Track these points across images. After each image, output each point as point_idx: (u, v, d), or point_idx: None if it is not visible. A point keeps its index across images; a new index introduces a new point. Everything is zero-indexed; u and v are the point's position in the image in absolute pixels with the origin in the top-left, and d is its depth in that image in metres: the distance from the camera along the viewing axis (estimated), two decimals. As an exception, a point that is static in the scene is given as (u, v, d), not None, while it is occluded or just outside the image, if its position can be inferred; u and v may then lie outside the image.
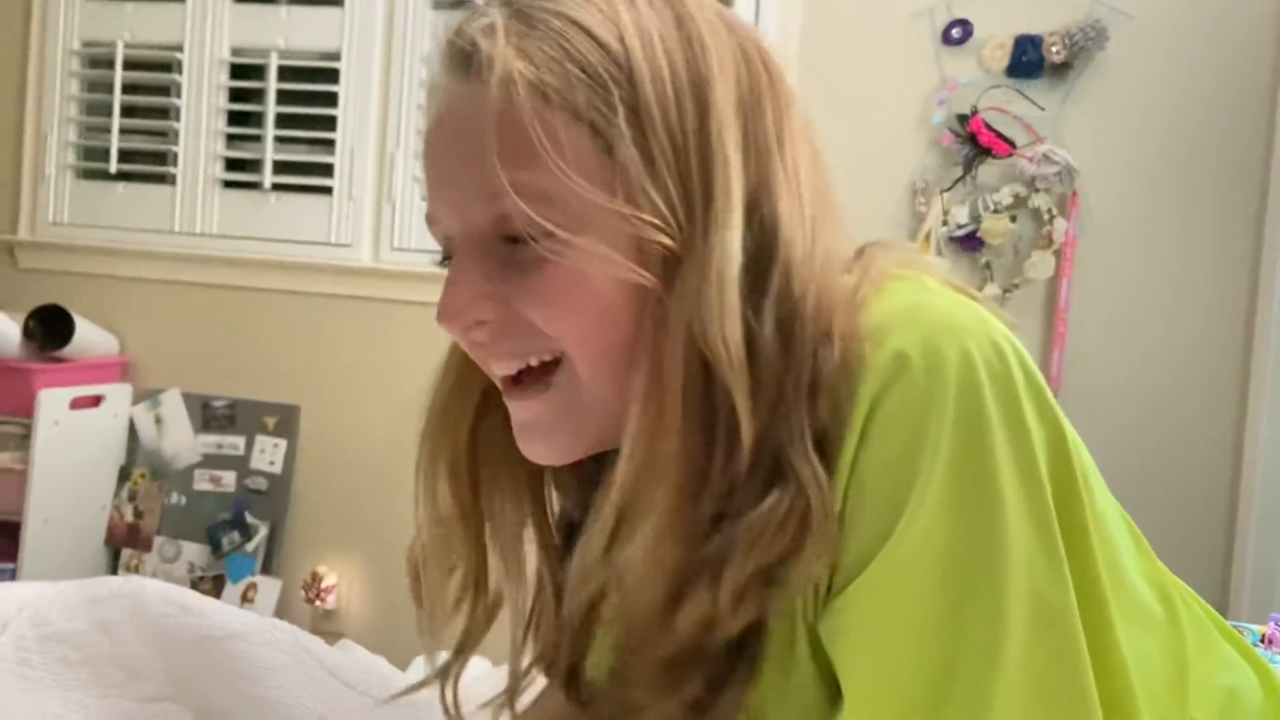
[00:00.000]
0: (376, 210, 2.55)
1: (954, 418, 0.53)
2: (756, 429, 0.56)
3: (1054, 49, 2.25)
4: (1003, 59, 2.28)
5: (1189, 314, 2.25)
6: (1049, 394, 0.57)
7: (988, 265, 2.31)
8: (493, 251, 0.59)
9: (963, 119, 2.29)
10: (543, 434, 0.62)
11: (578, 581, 0.64)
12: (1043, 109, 2.27)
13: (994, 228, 2.28)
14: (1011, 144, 2.27)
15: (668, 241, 0.56)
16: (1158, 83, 2.26)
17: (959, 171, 2.31)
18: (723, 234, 0.56)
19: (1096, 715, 0.52)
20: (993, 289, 2.30)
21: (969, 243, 2.31)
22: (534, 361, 0.60)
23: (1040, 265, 2.27)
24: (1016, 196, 2.28)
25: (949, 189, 2.32)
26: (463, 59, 0.59)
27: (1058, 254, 2.26)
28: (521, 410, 0.62)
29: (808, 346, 0.57)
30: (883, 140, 2.36)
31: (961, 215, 2.30)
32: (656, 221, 0.56)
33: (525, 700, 0.73)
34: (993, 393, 0.54)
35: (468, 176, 0.58)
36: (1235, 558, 2.17)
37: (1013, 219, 2.28)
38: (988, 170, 2.30)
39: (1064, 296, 2.27)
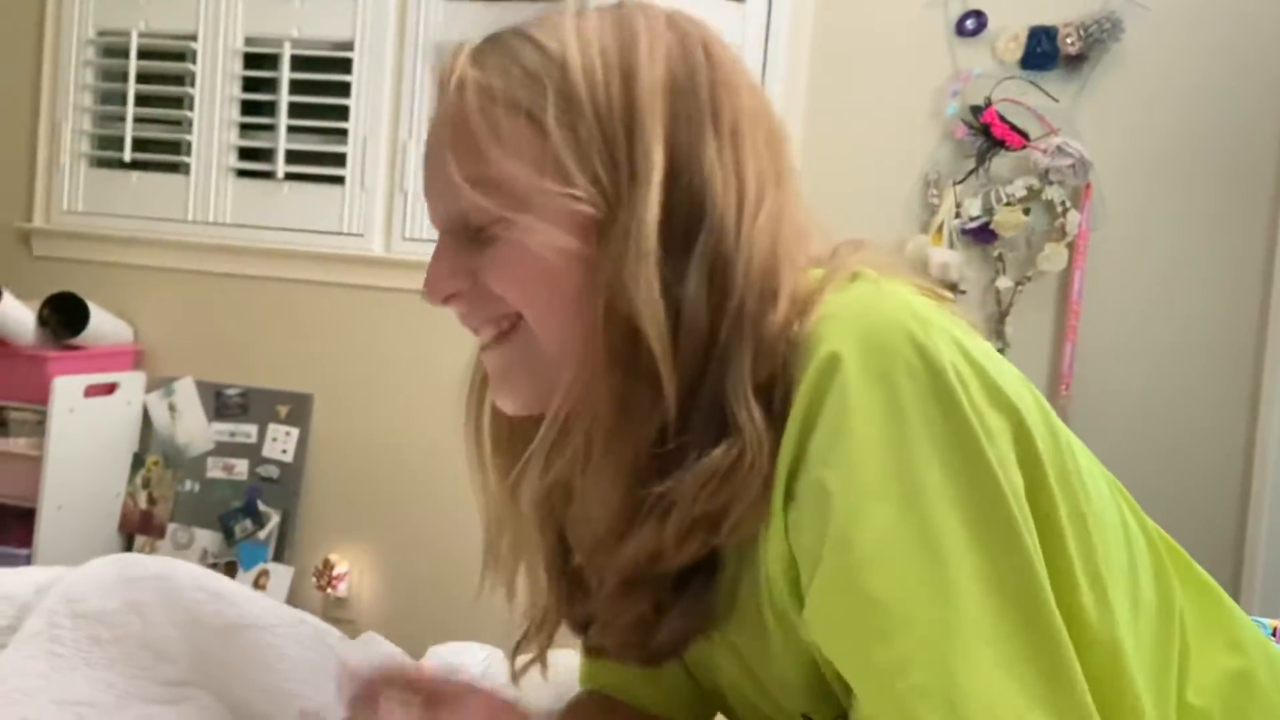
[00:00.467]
0: (389, 200, 2.56)
1: (881, 418, 0.57)
2: (682, 377, 0.62)
3: (1069, 40, 2.23)
4: (1017, 50, 2.27)
5: (1203, 307, 2.24)
6: (1004, 390, 0.60)
7: (1000, 257, 2.30)
8: (461, 235, 0.68)
9: (976, 111, 2.28)
10: (508, 382, 0.70)
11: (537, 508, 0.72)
12: (1057, 101, 2.26)
13: (1007, 220, 2.27)
14: (1025, 136, 2.26)
15: (592, 212, 0.63)
16: (1173, 75, 2.24)
17: (972, 163, 2.30)
18: (642, 201, 0.62)
19: (1076, 683, 0.54)
20: (1005, 281, 2.30)
21: (982, 235, 2.30)
22: (504, 325, 0.68)
23: (1053, 258, 2.26)
24: (1030, 189, 2.27)
25: (962, 181, 2.31)
26: (442, 78, 0.69)
27: (1071, 246, 2.26)
28: (489, 362, 0.71)
29: (747, 304, 0.62)
30: (895, 132, 2.35)
31: (974, 207, 2.30)
32: (583, 194, 0.63)
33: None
34: (923, 391, 0.57)
35: (437, 176, 0.68)
36: (1247, 550, 2.17)
37: (1026, 211, 2.28)
38: (1001, 162, 2.30)
39: (1077, 289, 2.26)
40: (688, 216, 0.63)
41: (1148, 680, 0.61)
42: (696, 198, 0.63)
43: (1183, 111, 2.24)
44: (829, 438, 0.58)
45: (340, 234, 2.57)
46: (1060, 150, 2.23)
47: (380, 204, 2.56)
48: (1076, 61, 2.25)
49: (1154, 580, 0.66)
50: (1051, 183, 2.26)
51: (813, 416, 0.59)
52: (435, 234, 0.73)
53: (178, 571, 0.93)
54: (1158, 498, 2.16)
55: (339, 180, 2.57)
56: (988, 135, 2.27)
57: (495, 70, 0.66)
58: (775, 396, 0.61)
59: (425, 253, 0.71)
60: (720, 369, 0.62)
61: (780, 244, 0.65)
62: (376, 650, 0.95)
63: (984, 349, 0.63)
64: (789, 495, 0.60)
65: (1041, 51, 2.25)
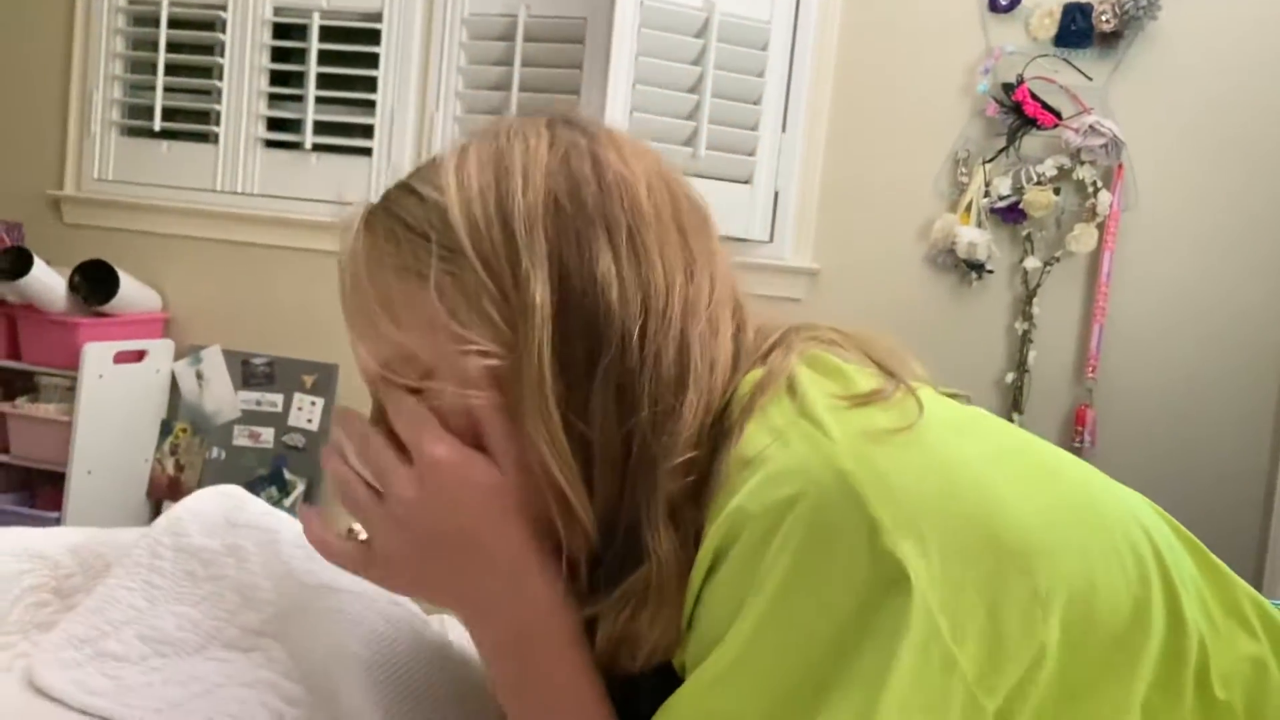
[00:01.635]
0: (415, 172, 2.56)
1: (782, 572, 0.54)
2: (598, 508, 0.61)
3: (1104, 18, 2.20)
4: (1051, 27, 2.24)
5: (1233, 289, 2.22)
6: (928, 527, 0.54)
7: (1029, 237, 2.28)
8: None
9: (1008, 88, 2.26)
10: None
11: None
12: (1090, 79, 2.23)
13: (1037, 200, 2.25)
14: (1057, 115, 2.24)
15: (496, 362, 0.61)
16: (1210, 54, 2.21)
17: (1002, 142, 2.28)
18: (534, 339, 0.60)
19: None
20: (1033, 261, 2.28)
21: (1011, 214, 2.28)
22: None
23: (1083, 238, 2.24)
24: (1061, 168, 2.25)
25: (992, 159, 2.29)
26: (340, 252, 0.69)
27: (1101, 227, 2.23)
28: None
29: (657, 420, 0.60)
30: (926, 109, 2.33)
31: (1004, 186, 2.28)
32: (483, 346, 0.61)
33: None
34: (822, 549, 0.53)
35: (352, 341, 0.68)
36: (1273, 533, 2.15)
37: (1056, 191, 2.25)
38: (1032, 141, 2.27)
39: (1106, 270, 2.24)
40: (586, 338, 0.61)
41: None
42: (592, 318, 0.61)
43: (1218, 92, 2.21)
44: (727, 597, 0.56)
45: (367, 205, 2.58)
46: (1093, 129, 2.20)
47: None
48: (1111, 39, 2.22)
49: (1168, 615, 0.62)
50: (1083, 162, 2.23)
51: (719, 564, 0.57)
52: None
53: (282, 526, 0.95)
54: (1184, 480, 2.16)
55: (366, 152, 2.58)
56: (1019, 113, 2.25)
57: (383, 234, 0.65)
58: (689, 513, 0.60)
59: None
60: (633, 494, 0.60)
61: (691, 345, 0.62)
62: (459, 632, 0.96)
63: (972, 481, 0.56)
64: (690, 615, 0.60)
65: (1076, 29, 2.22)
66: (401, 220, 0.65)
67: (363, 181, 2.58)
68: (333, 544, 0.69)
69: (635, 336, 0.61)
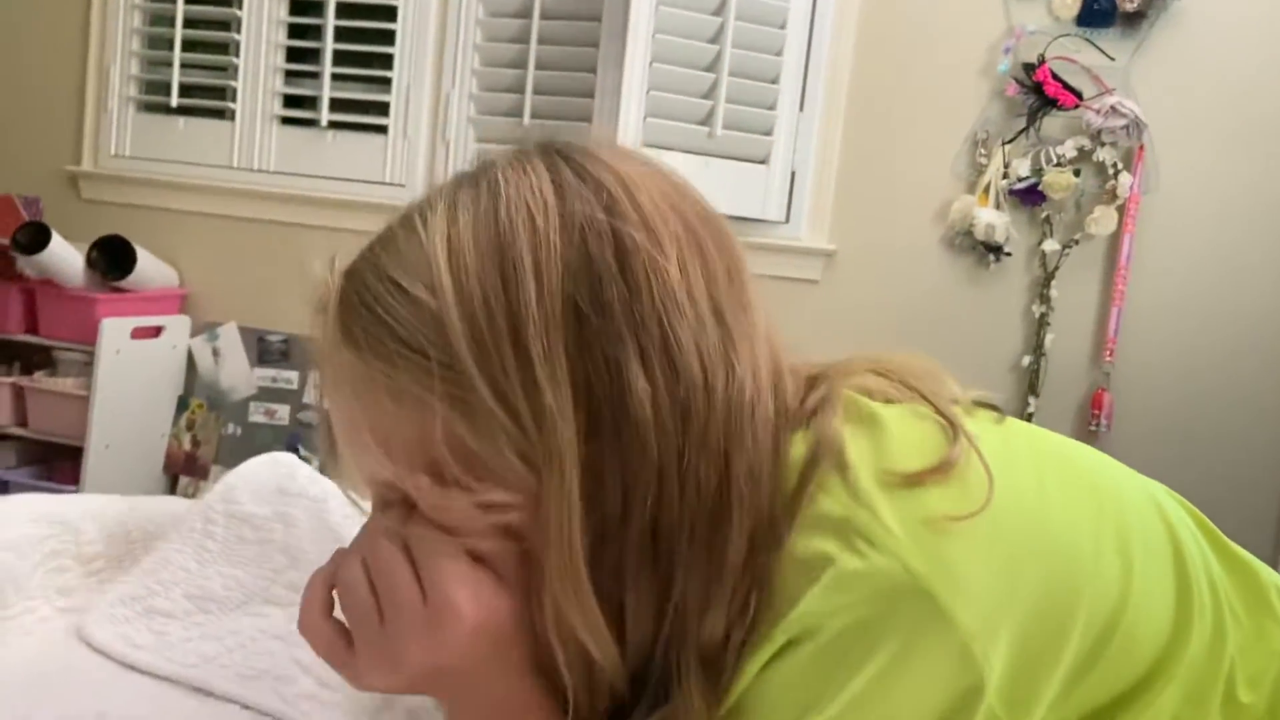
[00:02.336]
0: (431, 150, 2.56)
1: (864, 681, 0.51)
2: (631, 664, 0.55)
3: (1127, -3, 2.17)
4: (1073, 6, 2.21)
5: (1254, 274, 2.19)
6: (1002, 618, 0.52)
7: (1048, 219, 2.26)
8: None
9: (1029, 68, 2.23)
10: None
11: None
12: (1112, 59, 2.21)
13: (1056, 181, 2.23)
14: (1078, 95, 2.21)
15: (513, 517, 0.53)
16: (1235, 35, 2.18)
17: (1022, 123, 2.26)
18: (560, 495, 0.51)
19: None
20: (1052, 244, 2.26)
21: (1030, 196, 2.26)
22: None
23: (1102, 220, 2.22)
24: (1081, 149, 2.23)
25: (1011, 140, 2.27)
26: (315, 349, 0.59)
27: (1121, 210, 2.21)
28: None
29: (696, 574, 0.53)
30: (945, 89, 2.31)
31: (1023, 168, 2.26)
32: (505, 499, 0.53)
33: None
34: (903, 659, 0.51)
35: (344, 452, 0.60)
36: (1289, 524, 2.14)
37: (1076, 173, 2.23)
38: (1052, 122, 2.25)
39: (1125, 253, 2.22)
40: (620, 480, 0.52)
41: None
42: (626, 455, 0.52)
43: (1242, 73, 2.18)
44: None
45: (382, 184, 2.57)
46: (1114, 110, 2.18)
47: (423, 154, 2.56)
48: (1134, 19, 2.19)
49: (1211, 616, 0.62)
50: (1104, 144, 2.21)
51: (778, 661, 0.53)
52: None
53: (331, 498, 0.97)
54: (1202, 466, 2.14)
55: (382, 130, 2.58)
56: (1040, 94, 2.22)
57: (368, 344, 0.54)
58: (724, 653, 0.54)
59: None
60: (665, 644, 0.54)
61: (735, 467, 0.53)
62: None
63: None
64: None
65: (1098, 8, 2.20)
66: (390, 329, 0.53)
67: (378, 159, 2.57)
68: (315, 619, 0.58)
69: (674, 468, 0.52)
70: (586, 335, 0.52)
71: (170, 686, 0.85)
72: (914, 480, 0.53)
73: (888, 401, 0.60)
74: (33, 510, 0.97)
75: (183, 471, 2.65)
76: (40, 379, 2.52)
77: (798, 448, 0.56)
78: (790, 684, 0.53)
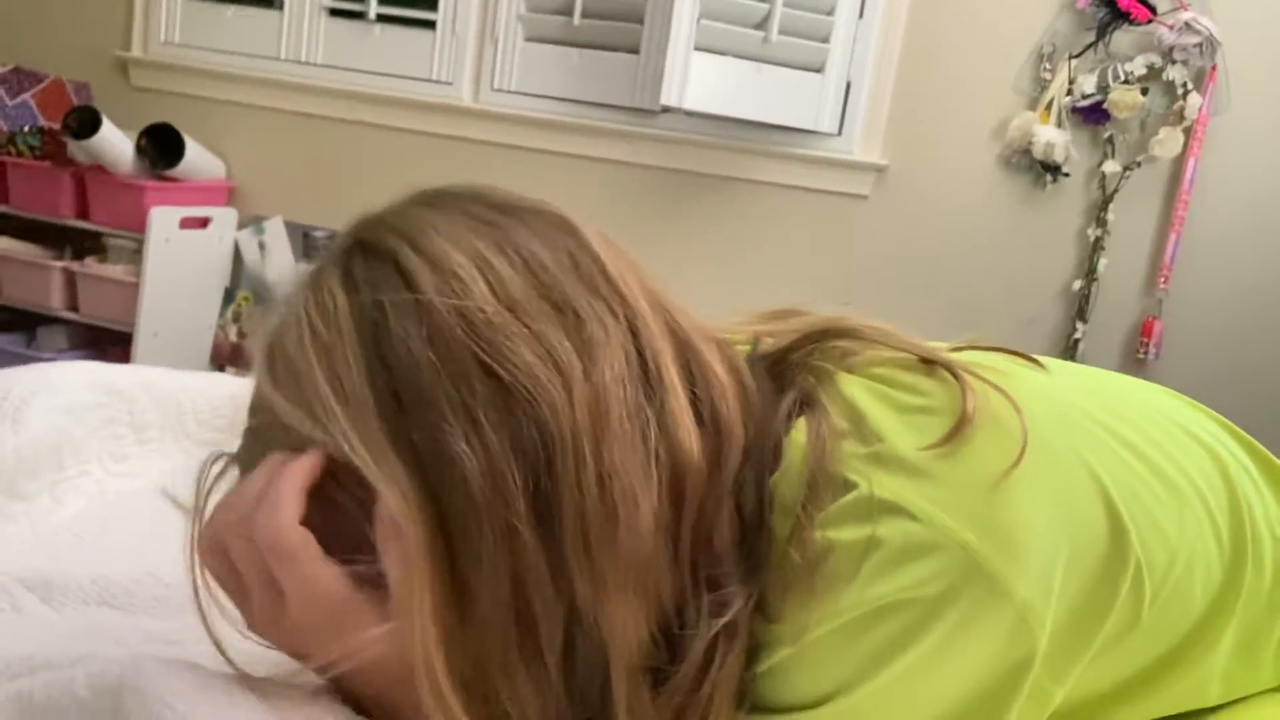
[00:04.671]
0: (479, 49, 2.51)
1: (920, 652, 0.50)
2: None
3: (1213, -95, 2.06)
4: (1154, -86, 2.11)
5: (1323, 205, 2.12)
6: (1058, 576, 0.51)
7: (1110, 140, 2.19)
8: None
9: (1102, -21, 2.14)
10: None
11: None
12: (1191, -28, 2.11)
13: (1122, 100, 2.15)
14: (1153, 10, 2.12)
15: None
16: (1325, -51, 2.06)
17: (1091, 37, 2.17)
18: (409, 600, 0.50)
19: None
20: (1113, 165, 2.19)
21: (1093, 114, 2.18)
22: None
23: (1168, 143, 2.14)
24: (1150, 67, 2.14)
25: (1078, 55, 2.19)
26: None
27: (1188, 132, 2.13)
28: None
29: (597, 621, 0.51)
30: (1012, -1, 2.22)
31: (1088, 84, 2.18)
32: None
33: None
34: (961, 631, 0.50)
35: None
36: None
37: (1144, 91, 2.15)
38: (1122, 37, 2.16)
39: (1189, 178, 2.15)
40: (471, 534, 0.50)
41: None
42: (465, 511, 0.50)
43: (1330, -9, 2.07)
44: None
45: (430, 81, 2.54)
46: (1188, 27, 2.09)
47: (471, 52, 2.51)
48: (1218, -71, 2.08)
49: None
50: (1174, 62, 2.12)
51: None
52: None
53: None
54: (1254, 397, 2.10)
55: (430, 25, 2.53)
56: (1112, 7, 2.13)
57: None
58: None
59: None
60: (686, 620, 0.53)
61: (620, 470, 0.50)
62: None
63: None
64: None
65: (1181, -83, 2.09)
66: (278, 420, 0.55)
67: (425, 56, 2.54)
68: (214, 556, 0.55)
69: (525, 502, 0.49)
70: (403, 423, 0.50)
71: None
72: (948, 442, 0.51)
73: (871, 365, 0.58)
74: (89, 378, 0.99)
75: (229, 363, 2.70)
76: (90, 264, 2.55)
77: (798, 445, 0.54)
78: (837, 661, 0.52)
